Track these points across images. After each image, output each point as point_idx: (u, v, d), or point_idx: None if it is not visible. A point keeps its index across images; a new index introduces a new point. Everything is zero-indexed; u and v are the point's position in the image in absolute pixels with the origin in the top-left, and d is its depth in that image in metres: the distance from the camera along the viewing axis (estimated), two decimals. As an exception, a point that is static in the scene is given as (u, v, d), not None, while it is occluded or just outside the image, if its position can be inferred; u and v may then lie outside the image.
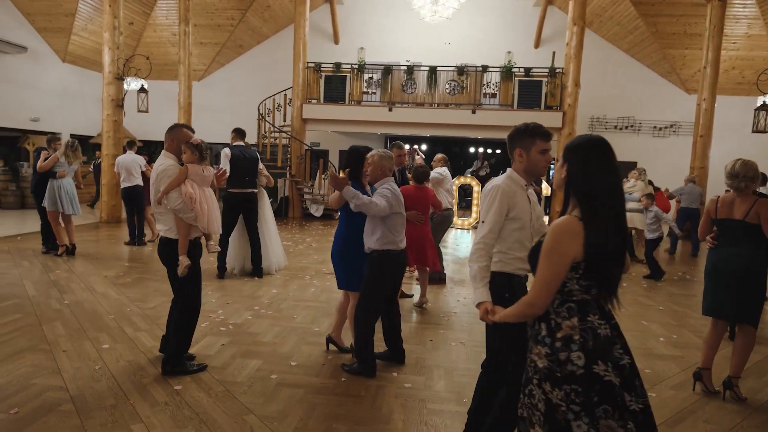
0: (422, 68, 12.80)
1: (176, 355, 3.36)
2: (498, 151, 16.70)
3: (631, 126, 15.69)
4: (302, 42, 12.39)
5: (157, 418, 2.78)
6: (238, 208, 6.02)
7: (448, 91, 12.72)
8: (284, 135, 12.74)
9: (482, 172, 15.55)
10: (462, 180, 12.62)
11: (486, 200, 2.30)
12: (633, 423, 1.60)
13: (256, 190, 6.14)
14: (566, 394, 1.62)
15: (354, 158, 3.61)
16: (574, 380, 1.62)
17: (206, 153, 3.47)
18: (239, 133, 6.24)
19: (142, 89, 10.34)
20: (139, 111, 10.41)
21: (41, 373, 3.28)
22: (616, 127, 15.72)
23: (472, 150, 16.72)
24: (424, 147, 17.22)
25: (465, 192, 14.21)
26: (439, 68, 12.69)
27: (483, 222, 2.28)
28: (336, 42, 16.19)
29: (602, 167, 1.71)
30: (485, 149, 16.80)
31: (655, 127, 15.57)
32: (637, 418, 1.61)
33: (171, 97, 13.12)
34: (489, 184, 2.35)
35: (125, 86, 10.85)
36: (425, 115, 12.61)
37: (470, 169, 16.23)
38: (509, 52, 15.59)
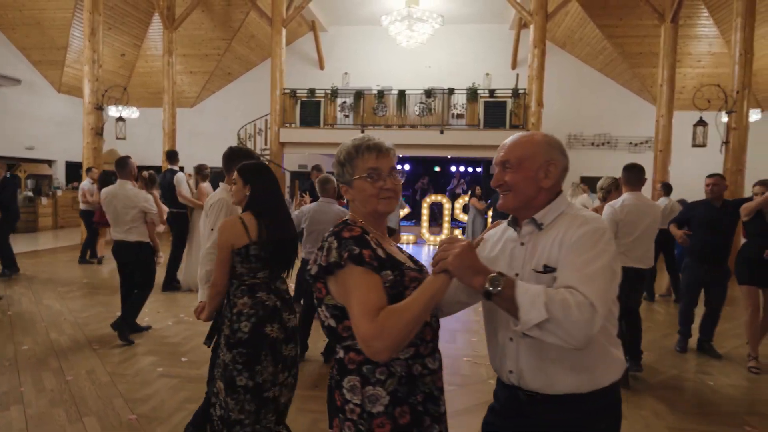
0: (392, 92, 13.40)
1: (133, 320, 4.77)
2: (477, 170, 17.17)
3: (608, 142, 16.04)
4: (279, 70, 13.09)
5: (38, 401, 3.30)
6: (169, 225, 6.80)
7: (417, 113, 13.26)
8: (265, 158, 13.39)
9: (458, 190, 16.03)
10: (433, 198, 13.10)
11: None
12: (283, 364, 2.30)
13: (174, 210, 6.74)
14: (233, 356, 2.23)
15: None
16: (241, 344, 2.23)
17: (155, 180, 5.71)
18: (168, 156, 7.11)
19: (120, 118, 11.05)
20: (117, 138, 11.11)
21: (-42, 367, 3.82)
22: (593, 144, 16.09)
23: (453, 169, 17.21)
24: (407, 167, 17.74)
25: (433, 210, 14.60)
26: (407, 91, 13.28)
27: None
28: (321, 68, 16.94)
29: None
30: (466, 168, 17.29)
31: (630, 143, 15.91)
32: (287, 360, 2.33)
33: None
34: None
35: (116, 114, 11.63)
36: (395, 137, 13.13)
37: (449, 187, 16.72)
38: (488, 74, 16.20)
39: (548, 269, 1.34)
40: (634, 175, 3.88)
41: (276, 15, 12.81)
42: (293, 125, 13.48)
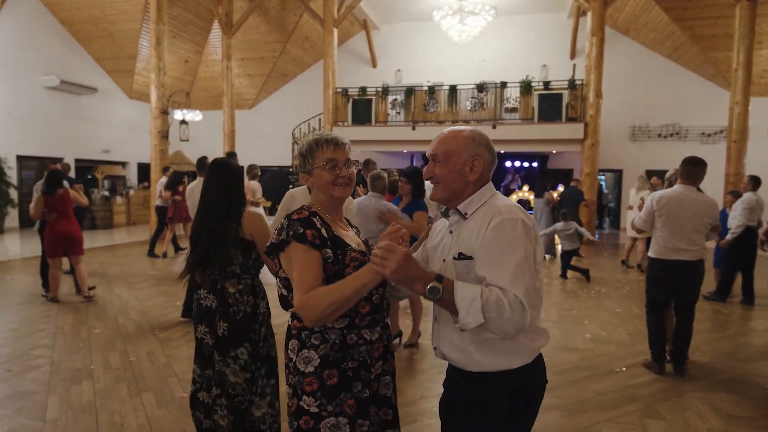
0: (443, 88, 13.35)
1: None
2: (533, 164, 16.76)
3: (677, 133, 15.20)
4: (331, 69, 13.38)
5: (104, 377, 3.64)
6: None
7: (469, 108, 13.15)
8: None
9: (513, 186, 15.74)
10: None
11: None
12: (213, 376, 2.37)
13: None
14: None
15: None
16: None
17: None
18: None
19: (183, 121, 11.69)
20: (181, 140, 11.76)
21: (40, 347, 4.28)
22: (660, 135, 15.30)
23: (508, 164, 16.90)
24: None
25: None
26: (459, 86, 13.18)
27: None
28: (374, 66, 17.12)
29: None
30: (521, 164, 16.93)
31: (703, 133, 14.99)
32: (219, 375, 2.35)
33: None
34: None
35: (180, 117, 12.34)
36: (447, 132, 13.10)
37: (503, 183, 16.45)
38: (544, 65, 15.79)
39: (463, 257, 1.45)
40: (688, 169, 3.73)
41: (327, 16, 13.09)
42: (345, 123, 13.74)
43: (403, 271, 1.32)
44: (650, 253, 3.89)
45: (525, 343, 1.46)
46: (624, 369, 3.92)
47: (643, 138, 15.42)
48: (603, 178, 17.03)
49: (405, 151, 15.17)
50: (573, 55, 15.80)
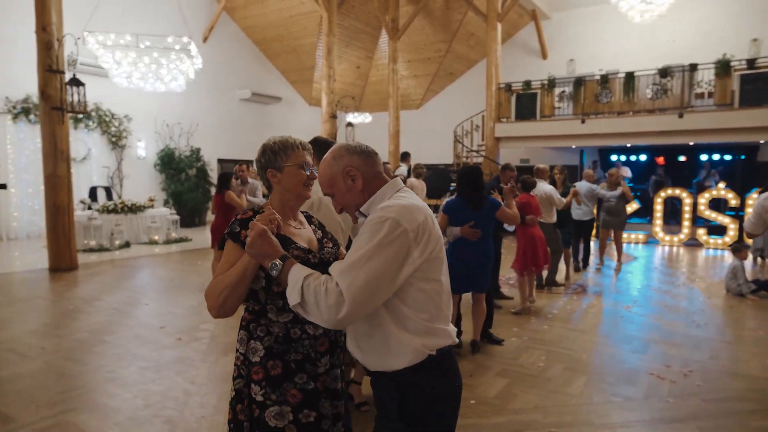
0: (618, 76, 12.06)
1: None
2: (728, 158, 14.21)
3: None
4: (494, 65, 13.05)
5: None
6: None
7: (649, 96, 11.66)
8: (479, 154, 13.63)
9: (708, 182, 13.53)
10: (668, 192, 11.44)
11: None
12: None
13: None
14: None
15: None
16: None
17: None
18: (401, 157, 7.81)
19: (349, 124, 12.53)
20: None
21: (207, 322, 5.03)
22: None
23: (704, 158, 14.60)
24: (643, 158, 15.78)
25: (673, 204, 12.58)
26: (636, 73, 11.78)
27: None
28: (544, 57, 16.27)
29: None
30: (721, 156, 14.49)
31: None
32: None
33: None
34: None
35: (354, 120, 13.25)
36: (621, 125, 11.83)
37: (695, 180, 14.28)
38: (755, 40, 13.34)
39: None
40: None
41: (491, 11, 12.81)
42: (508, 119, 13.29)
43: (257, 246, 1.43)
44: None
45: (408, 342, 1.45)
46: (811, 411, 3.12)
47: None
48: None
49: (574, 147, 14.13)
50: (797, 23, 13.00)
